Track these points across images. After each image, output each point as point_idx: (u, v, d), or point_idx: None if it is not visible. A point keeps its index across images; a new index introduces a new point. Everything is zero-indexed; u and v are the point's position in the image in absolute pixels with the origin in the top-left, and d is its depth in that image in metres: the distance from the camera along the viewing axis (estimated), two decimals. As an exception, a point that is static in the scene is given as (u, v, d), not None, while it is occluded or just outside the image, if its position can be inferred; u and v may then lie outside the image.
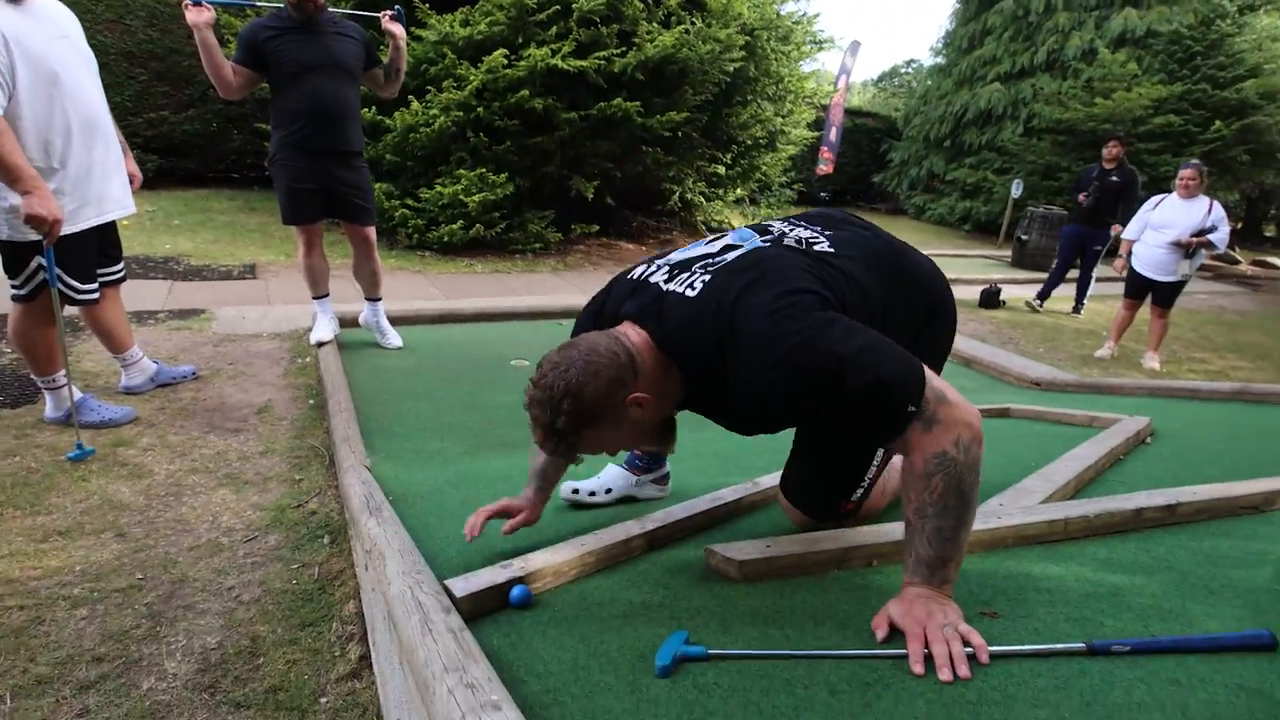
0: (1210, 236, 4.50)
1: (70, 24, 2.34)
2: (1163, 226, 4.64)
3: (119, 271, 2.71)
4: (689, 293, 1.16)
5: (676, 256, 1.30)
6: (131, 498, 2.06)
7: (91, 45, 2.45)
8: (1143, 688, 0.93)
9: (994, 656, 1.00)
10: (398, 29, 3.15)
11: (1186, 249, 4.56)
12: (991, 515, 1.49)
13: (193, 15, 2.72)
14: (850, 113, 16.72)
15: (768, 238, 1.29)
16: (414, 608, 1.04)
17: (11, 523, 1.88)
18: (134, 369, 2.84)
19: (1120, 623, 1.11)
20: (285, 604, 1.65)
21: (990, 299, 6.30)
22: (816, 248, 1.26)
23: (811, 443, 1.50)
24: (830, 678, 0.97)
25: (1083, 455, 1.86)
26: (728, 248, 1.26)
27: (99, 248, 2.52)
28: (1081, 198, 6.08)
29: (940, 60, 15.45)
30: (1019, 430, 2.57)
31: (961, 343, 4.62)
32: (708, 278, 1.17)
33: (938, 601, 1.06)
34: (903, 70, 25.72)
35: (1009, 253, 9.66)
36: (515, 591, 1.24)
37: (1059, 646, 1.01)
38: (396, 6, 3.24)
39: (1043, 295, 6.56)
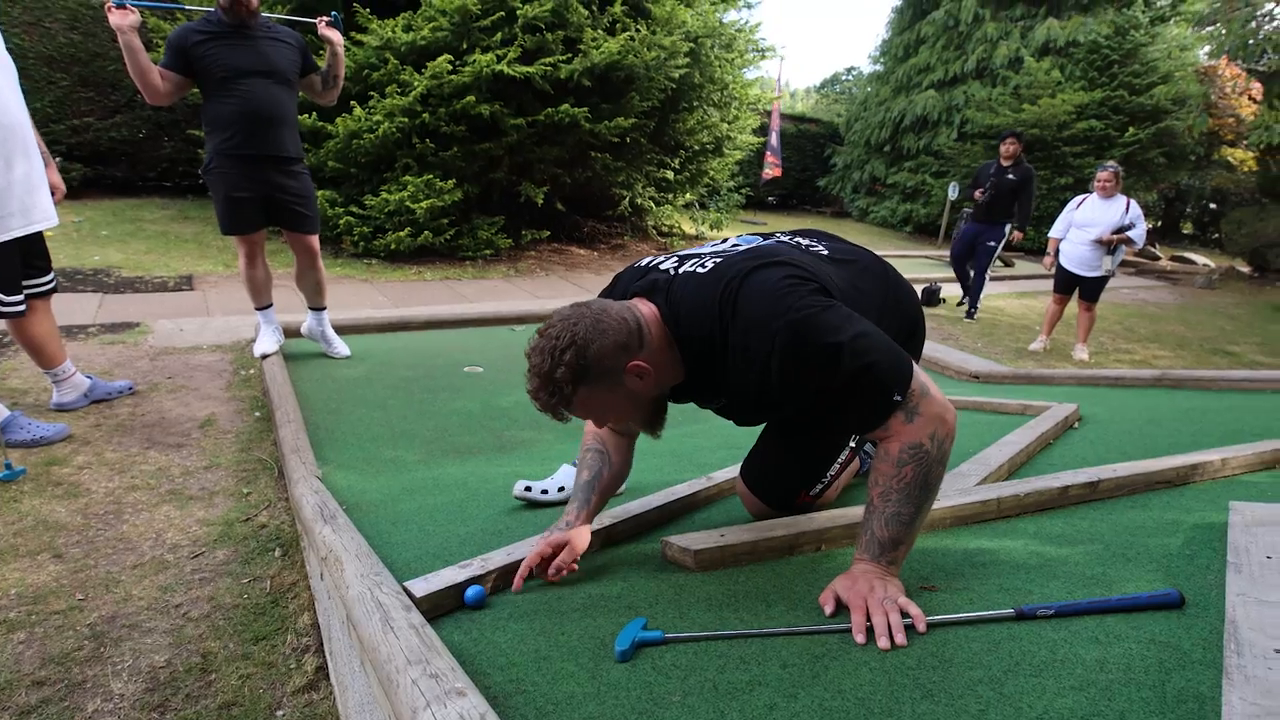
0: (1129, 234, 4.80)
1: None
2: (1085, 225, 4.92)
3: (48, 283, 2.59)
4: (699, 270, 1.21)
5: (688, 251, 1.36)
6: (68, 517, 1.98)
7: (8, 49, 2.34)
8: (1066, 646, 1.00)
9: (931, 625, 1.06)
10: (335, 35, 3.10)
11: (1108, 246, 4.85)
12: (931, 497, 1.57)
13: (116, 18, 2.61)
14: (794, 118, 17.16)
15: (773, 240, 1.39)
16: (374, 607, 1.04)
17: (-65, 548, 1.78)
18: (66, 385, 2.71)
19: (1048, 590, 1.19)
20: (236, 619, 1.62)
21: (931, 297, 6.56)
22: (819, 252, 1.36)
23: (780, 434, 1.55)
24: (782, 653, 1.02)
25: (1015, 441, 1.97)
26: (736, 245, 1.34)
27: (24, 259, 2.40)
28: (978, 194, 5.99)
29: (878, 68, 16.03)
30: (959, 420, 2.70)
31: (905, 339, 4.80)
32: (719, 260, 1.22)
33: (880, 577, 1.12)
34: (843, 77, 26.50)
35: (947, 252, 10.06)
36: (470, 591, 1.25)
37: (990, 614, 1.09)
38: (334, 12, 3.18)
39: (970, 305, 6.19)
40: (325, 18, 3.09)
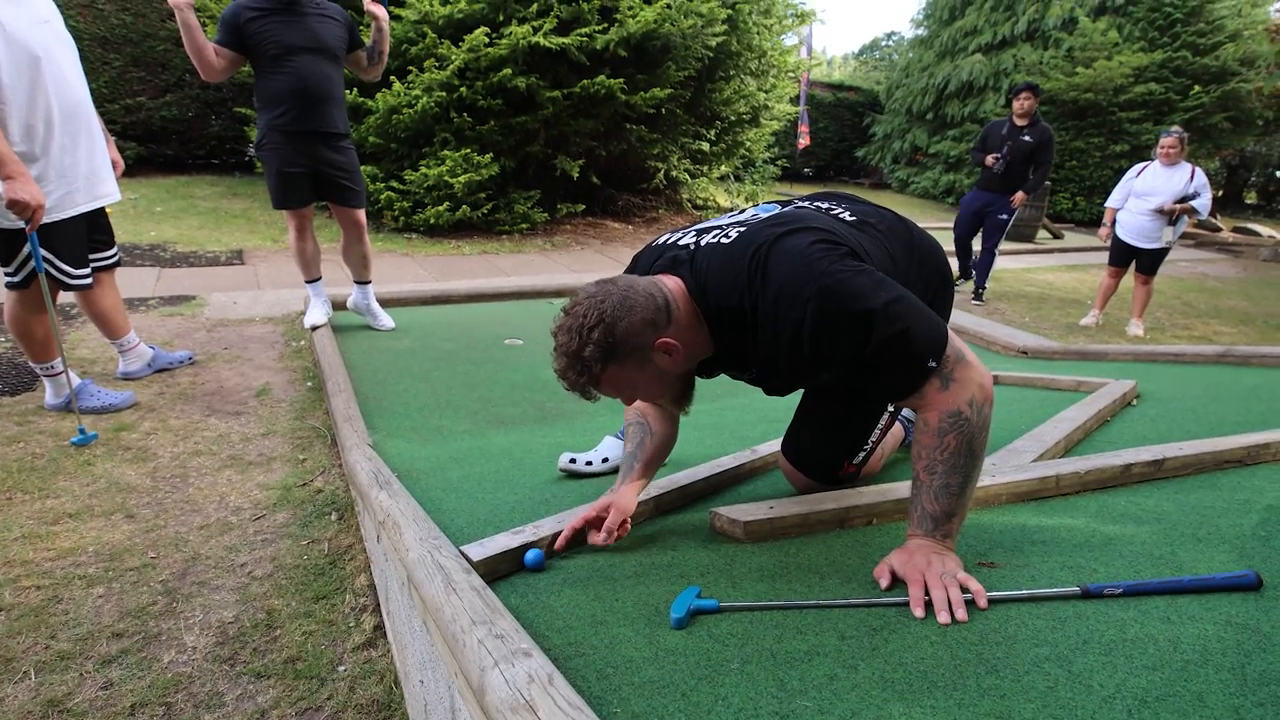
0: (1193, 203, 4.56)
1: (49, 9, 2.30)
2: (1146, 194, 4.68)
3: (112, 256, 2.69)
4: (723, 240, 1.17)
5: (704, 224, 1.32)
6: (138, 480, 2.07)
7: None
8: (1136, 626, 0.98)
9: (992, 602, 1.04)
10: (380, 11, 3.13)
11: (1170, 216, 4.61)
12: (985, 474, 1.54)
13: None
14: (832, 87, 16.67)
15: (793, 206, 1.34)
16: (435, 569, 1.07)
17: (21, 507, 1.89)
18: (131, 355, 2.83)
19: (1112, 569, 1.16)
20: (298, 578, 1.68)
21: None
22: (842, 217, 1.30)
23: (816, 405, 1.53)
24: (839, 625, 1.02)
25: (1071, 417, 1.91)
26: (756, 214, 1.28)
27: (89, 234, 2.49)
28: (990, 160, 5.22)
29: (921, 32, 15.41)
30: (1008, 396, 2.63)
31: (950, 313, 4.68)
32: (743, 228, 1.18)
33: (937, 552, 1.11)
34: (883, 43, 25.61)
35: (994, 225, 9.73)
36: (530, 555, 1.27)
37: (1054, 590, 1.06)
38: None
39: (977, 286, 5.57)
40: None
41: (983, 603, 1.04)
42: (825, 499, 1.45)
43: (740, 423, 2.54)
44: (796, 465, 1.57)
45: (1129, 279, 4.99)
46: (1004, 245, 8.45)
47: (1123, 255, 4.91)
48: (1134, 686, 0.83)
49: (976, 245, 5.66)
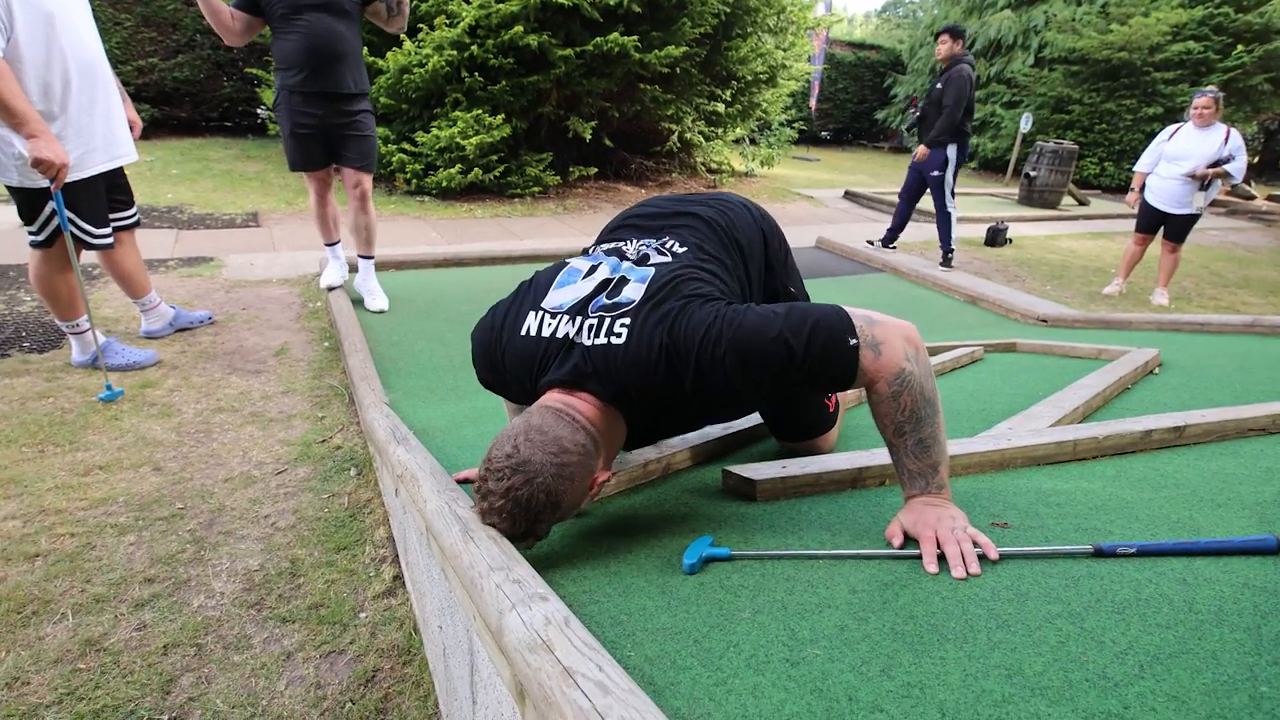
0: (1226, 167, 4.38)
1: None
2: (1178, 158, 4.51)
3: (133, 216, 2.71)
4: (616, 341, 1.13)
5: (559, 299, 1.24)
6: (164, 435, 2.12)
7: None
8: (1151, 586, 0.98)
9: (1004, 557, 1.05)
10: None
11: (1202, 180, 4.45)
12: (1001, 438, 1.53)
13: None
14: (853, 45, 16.17)
15: (631, 261, 1.28)
16: (453, 520, 1.09)
17: (54, 459, 1.94)
18: (153, 314, 2.87)
19: (1129, 532, 1.16)
20: (319, 530, 1.72)
21: (996, 237, 6.24)
22: (679, 252, 1.31)
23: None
24: (850, 579, 1.03)
25: (1090, 384, 1.89)
26: (607, 283, 1.23)
27: (108, 194, 2.51)
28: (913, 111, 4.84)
29: (951, -13, 14.85)
30: (1026, 363, 2.60)
31: (966, 280, 4.61)
32: (627, 320, 1.14)
33: (941, 506, 1.12)
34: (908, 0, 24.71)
35: (1016, 190, 9.50)
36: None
37: (1066, 548, 1.06)
38: None
39: (886, 238, 5.48)
40: None
41: (994, 554, 1.05)
42: (837, 460, 1.45)
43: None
44: (780, 438, 1.65)
45: (1155, 247, 4.87)
46: (1029, 212, 8.29)
47: (1151, 221, 4.76)
48: (1147, 644, 0.84)
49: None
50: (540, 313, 1.24)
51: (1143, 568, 1.03)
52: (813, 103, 12.61)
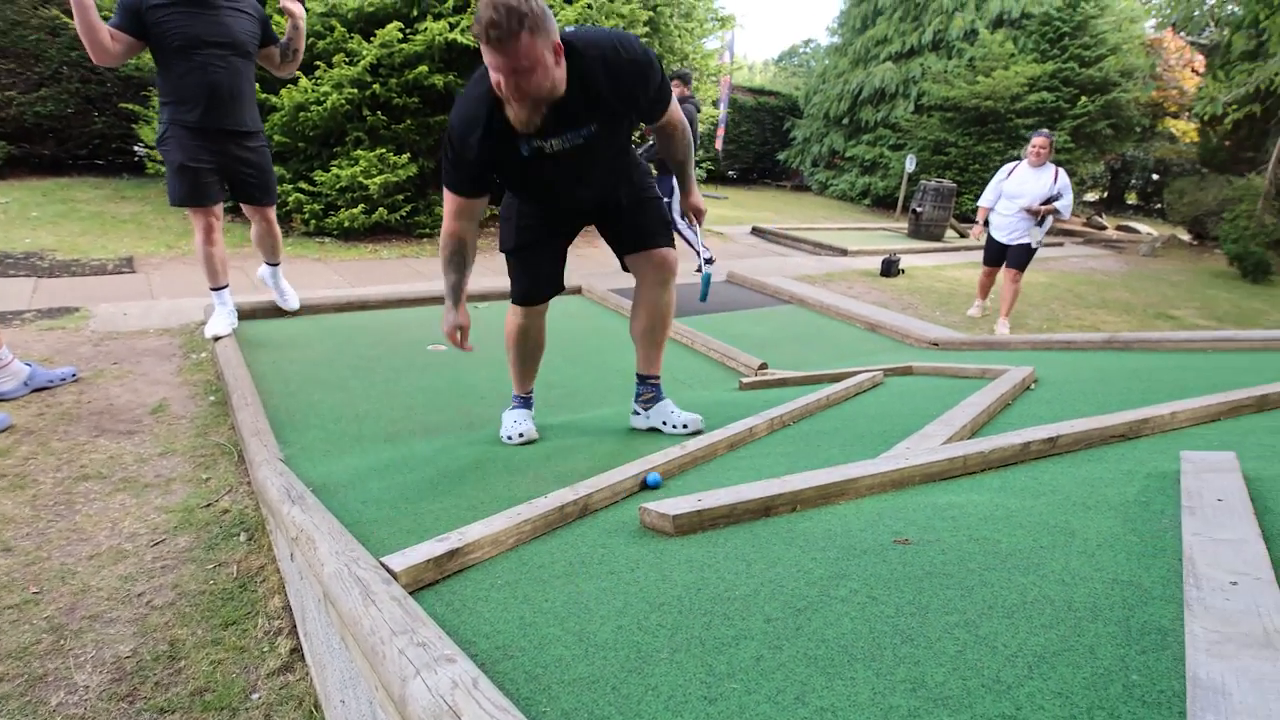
0: (1056, 204, 4.77)
1: None
2: (1015, 195, 4.88)
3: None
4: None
5: None
6: (15, 510, 1.88)
7: None
8: (1035, 589, 1.04)
9: (908, 577, 1.09)
10: (297, 8, 3.04)
11: (1036, 216, 4.83)
12: (899, 458, 1.61)
13: None
14: (753, 91, 17.10)
15: None
16: (352, 583, 1.02)
17: None
18: (4, 373, 2.57)
19: (1014, 538, 1.24)
20: (203, 605, 1.57)
21: (890, 268, 6.67)
22: None
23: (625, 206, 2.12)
24: (765, 608, 1.04)
25: (976, 402, 2.03)
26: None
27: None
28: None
29: (836, 40, 16.06)
30: (921, 385, 2.77)
31: (866, 310, 4.89)
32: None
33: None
34: (801, 50, 26.52)
35: (906, 225, 10.25)
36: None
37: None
38: None
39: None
40: None
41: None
42: (750, 489, 1.48)
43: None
44: (659, 245, 2.12)
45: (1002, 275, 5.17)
46: (917, 244, 8.94)
47: (995, 255, 5.08)
48: (1035, 645, 0.89)
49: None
50: None
51: (1029, 571, 1.09)
52: (718, 144, 13.20)
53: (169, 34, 2.76)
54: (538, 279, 2.22)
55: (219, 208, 3.07)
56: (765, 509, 1.45)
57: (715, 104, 10.10)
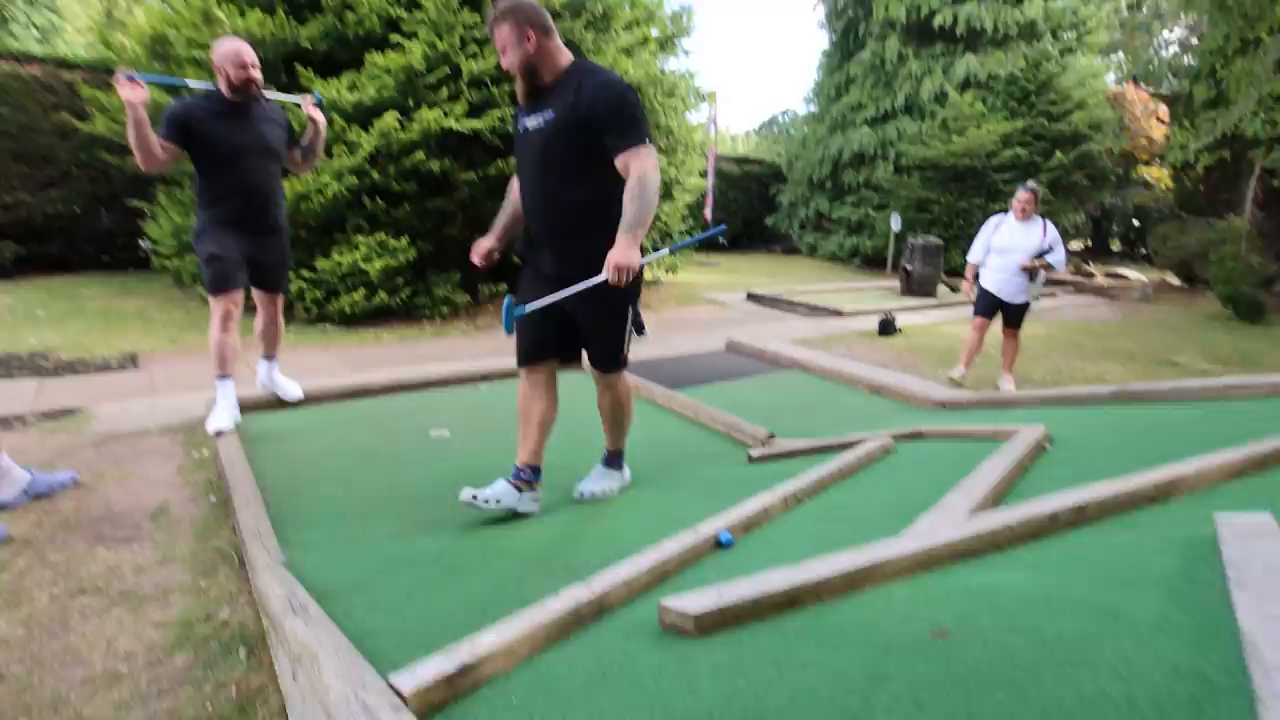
0: (1049, 259, 4.69)
1: None
2: (1006, 250, 4.79)
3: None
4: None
5: None
6: (9, 630, 1.80)
7: None
8: (1092, 685, 0.97)
9: (960, 677, 1.02)
10: (319, 114, 3.33)
11: (1030, 272, 4.73)
12: (924, 535, 1.56)
13: (127, 92, 2.74)
14: (737, 160, 17.72)
15: None
16: (359, 711, 0.96)
17: None
18: (4, 482, 2.52)
19: (1060, 624, 1.17)
20: (201, 732, 1.47)
21: (887, 328, 6.71)
22: None
23: (579, 315, 2.33)
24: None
25: (993, 469, 1.98)
26: None
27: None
28: None
29: (813, 108, 16.76)
30: (934, 450, 2.72)
31: (869, 372, 4.88)
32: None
33: (627, 246, 2.02)
34: (780, 118, 27.64)
35: (898, 283, 10.38)
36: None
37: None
38: (317, 94, 3.43)
39: None
40: (310, 98, 3.33)
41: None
42: (772, 580, 1.41)
43: (681, 503, 2.50)
44: (593, 364, 2.40)
45: (994, 334, 5.06)
46: (911, 301, 9.04)
47: (989, 306, 4.93)
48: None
49: None
50: None
51: (1081, 663, 1.03)
52: (707, 213, 13.56)
53: (216, 144, 3.01)
54: (526, 338, 2.43)
55: (240, 295, 3.20)
56: (790, 601, 1.38)
57: (703, 175, 10.43)
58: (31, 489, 2.61)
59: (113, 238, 8.18)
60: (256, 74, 3.05)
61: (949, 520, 1.62)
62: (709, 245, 14.95)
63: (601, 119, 2.03)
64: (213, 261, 3.10)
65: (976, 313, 5.02)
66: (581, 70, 2.11)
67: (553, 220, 2.21)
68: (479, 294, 7.23)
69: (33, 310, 5.99)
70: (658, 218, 9.04)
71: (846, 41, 15.33)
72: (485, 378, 4.44)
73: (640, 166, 2.01)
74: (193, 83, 3.28)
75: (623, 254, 2.00)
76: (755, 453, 3.00)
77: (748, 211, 16.96)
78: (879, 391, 4.35)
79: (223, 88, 3.04)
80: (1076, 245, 17.11)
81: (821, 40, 16.20)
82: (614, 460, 2.65)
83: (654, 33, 8.28)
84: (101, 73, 7.72)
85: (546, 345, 2.41)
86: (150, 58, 6.48)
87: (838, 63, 15.55)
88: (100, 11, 15.95)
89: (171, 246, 6.70)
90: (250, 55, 3.02)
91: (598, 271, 2.08)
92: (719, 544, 1.80)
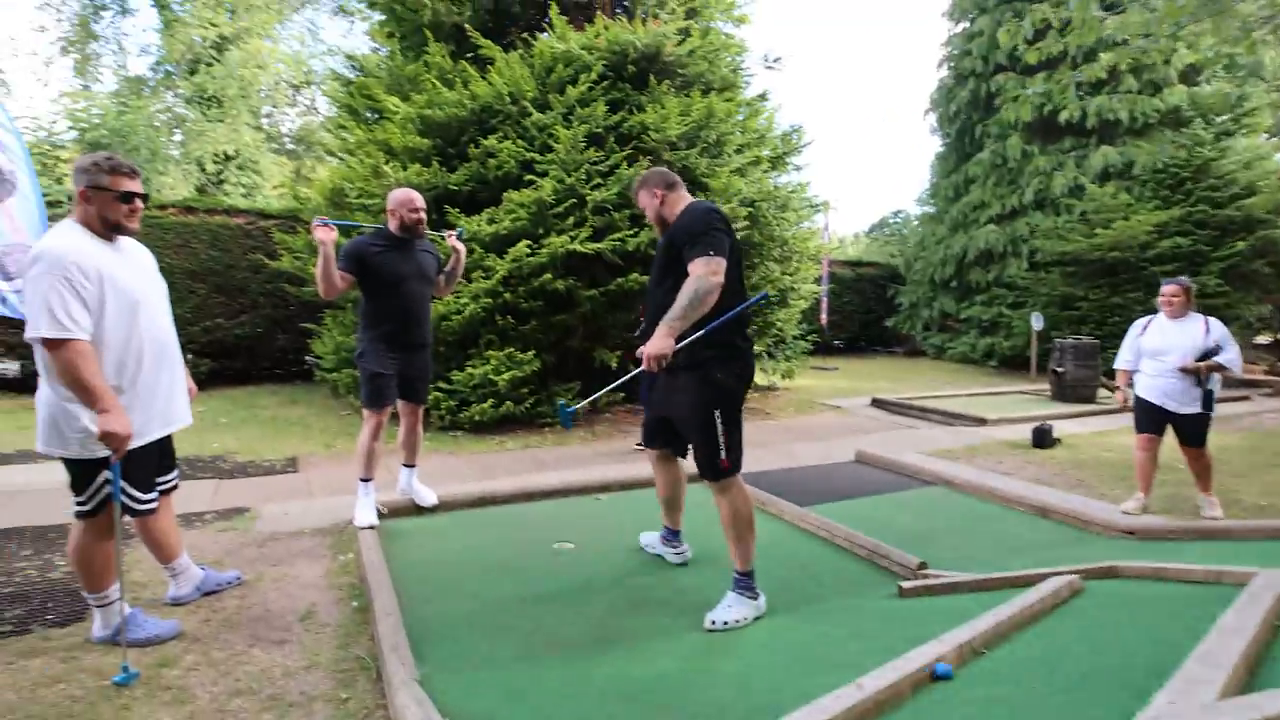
0: (1219, 359, 3.98)
1: (149, 261, 2.57)
2: (1159, 353, 4.13)
3: (172, 479, 2.72)
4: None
5: None
6: (169, 735, 1.87)
7: (160, 266, 2.65)
8: None
9: None
10: (461, 246, 3.79)
11: (1197, 376, 4.01)
12: (1176, 718, 1.26)
13: (321, 234, 3.23)
14: (850, 264, 17.55)
15: None
16: None
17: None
18: (182, 578, 2.77)
19: None
20: None
21: (1043, 438, 6.04)
22: None
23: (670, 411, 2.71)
24: None
25: (1236, 626, 1.61)
26: None
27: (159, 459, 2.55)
28: None
29: (930, 209, 16.42)
30: (1136, 594, 2.28)
31: (1027, 489, 4.37)
32: None
33: (662, 336, 2.34)
34: (891, 220, 27.33)
35: (1046, 386, 9.52)
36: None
37: None
38: (459, 228, 3.98)
39: None
40: (454, 232, 3.81)
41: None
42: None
43: (826, 639, 2.26)
44: (699, 472, 2.57)
45: (1169, 451, 4.30)
46: (1065, 408, 8.17)
47: (1153, 421, 4.20)
48: None
49: None
50: None
51: None
52: (823, 318, 13.39)
53: (385, 273, 3.42)
54: (645, 425, 2.97)
55: (390, 409, 3.57)
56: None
57: (817, 281, 10.36)
58: (204, 585, 2.83)
59: (286, 354, 9.31)
60: (423, 216, 3.52)
61: (1197, 701, 1.30)
62: (824, 350, 14.60)
63: (679, 239, 2.49)
64: (374, 379, 3.47)
65: (1139, 430, 4.26)
66: (686, 204, 2.65)
67: (653, 320, 2.54)
68: (597, 402, 7.39)
69: (217, 418, 6.79)
70: (772, 324, 9.01)
71: (962, 143, 15.14)
72: (604, 488, 4.42)
73: (694, 271, 2.36)
74: (366, 225, 3.79)
75: (655, 343, 2.34)
76: (907, 585, 2.69)
77: (864, 314, 16.57)
78: (1045, 514, 3.86)
79: (393, 226, 3.50)
80: (1264, 339, 15.06)
81: (934, 142, 16.12)
82: (744, 584, 2.52)
83: (765, 153, 8.61)
84: (290, 220, 9.14)
85: (656, 437, 2.91)
86: (329, 206, 7.59)
87: (954, 165, 15.32)
88: (291, 170, 19.19)
89: (332, 361, 7.51)
90: (420, 201, 3.53)
91: (686, 369, 2.49)
92: (934, 676, 1.67)
